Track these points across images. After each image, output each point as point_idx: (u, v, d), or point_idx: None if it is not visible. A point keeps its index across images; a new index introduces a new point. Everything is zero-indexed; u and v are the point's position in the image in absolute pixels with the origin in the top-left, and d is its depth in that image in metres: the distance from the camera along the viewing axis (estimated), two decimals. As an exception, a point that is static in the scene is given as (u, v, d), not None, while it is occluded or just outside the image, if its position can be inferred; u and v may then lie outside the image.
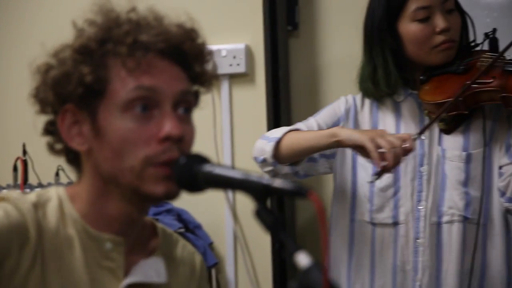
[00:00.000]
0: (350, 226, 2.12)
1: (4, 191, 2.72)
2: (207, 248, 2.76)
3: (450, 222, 2.05)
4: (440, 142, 2.08)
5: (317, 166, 2.14)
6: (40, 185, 2.72)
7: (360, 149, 1.90)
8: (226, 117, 2.90)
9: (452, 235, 2.05)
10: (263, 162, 2.09)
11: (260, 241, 2.82)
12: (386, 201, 2.07)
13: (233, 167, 2.84)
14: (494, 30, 2.09)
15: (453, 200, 2.05)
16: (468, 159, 2.06)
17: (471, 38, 2.14)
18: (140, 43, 1.22)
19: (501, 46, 2.07)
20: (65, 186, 1.33)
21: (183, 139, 1.23)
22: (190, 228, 2.78)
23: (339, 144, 1.94)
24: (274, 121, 2.81)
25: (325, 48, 2.88)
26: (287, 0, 2.87)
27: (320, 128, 2.12)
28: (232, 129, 2.91)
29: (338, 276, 2.13)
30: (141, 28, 1.23)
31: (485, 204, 2.04)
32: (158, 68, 1.23)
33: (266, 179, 1.11)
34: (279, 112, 2.82)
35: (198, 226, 2.82)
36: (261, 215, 1.09)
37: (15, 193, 1.27)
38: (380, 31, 2.07)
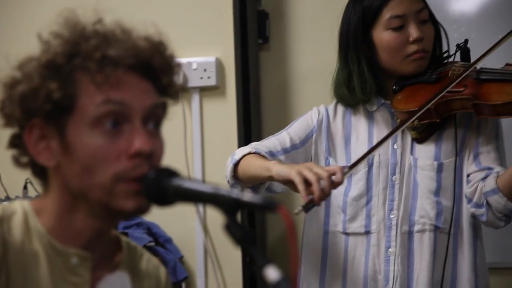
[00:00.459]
0: (323, 238, 2.12)
1: (-29, 205, 2.68)
2: (177, 262, 2.75)
3: (422, 231, 2.06)
4: (412, 151, 2.10)
5: (274, 186, 2.12)
6: (8, 198, 2.69)
7: (290, 184, 1.89)
8: (196, 130, 2.89)
9: (423, 244, 2.06)
10: (228, 182, 2.08)
11: (231, 255, 2.81)
12: (359, 210, 2.08)
13: (203, 181, 2.84)
14: (466, 41, 2.12)
15: (424, 209, 2.07)
16: (439, 169, 2.07)
17: (444, 49, 2.17)
18: (109, 58, 1.20)
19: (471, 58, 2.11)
20: (32, 199, 1.31)
21: (153, 154, 1.22)
22: (160, 241, 2.77)
23: (272, 179, 1.95)
24: (245, 134, 2.81)
25: (295, 61, 2.89)
26: (257, 14, 2.88)
27: (292, 142, 2.12)
28: (203, 142, 2.90)
29: (310, 288, 2.13)
30: (109, 42, 1.22)
31: (456, 214, 2.06)
32: (127, 83, 1.22)
33: (235, 193, 1.11)
34: (250, 125, 2.82)
35: (169, 240, 2.80)
36: (231, 229, 1.09)
37: (-20, 208, 1.26)
38: (355, 38, 2.09)
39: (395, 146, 2.09)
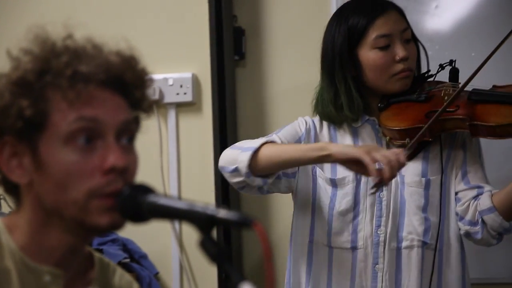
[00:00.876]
0: (309, 247, 2.12)
1: None
2: (152, 278, 2.73)
3: (410, 247, 2.08)
4: None
5: (280, 184, 2.13)
6: (-19, 215, 2.66)
7: (353, 164, 1.90)
8: (172, 146, 2.89)
9: (411, 260, 2.07)
10: (234, 172, 2.04)
11: (207, 272, 2.80)
12: (345, 225, 2.09)
13: (179, 197, 2.83)
14: (451, 61, 2.14)
15: (412, 225, 2.08)
16: (427, 185, 2.09)
17: (424, 67, 2.20)
18: (80, 74, 1.19)
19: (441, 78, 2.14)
20: (5, 216, 1.29)
21: (127, 170, 1.21)
22: (135, 258, 2.75)
23: (329, 158, 1.94)
24: (221, 150, 2.78)
25: (271, 77, 2.89)
26: (233, 30, 2.89)
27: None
28: (179, 158, 2.90)
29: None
30: (80, 58, 1.21)
31: (441, 230, 2.08)
32: (99, 99, 1.21)
33: (211, 209, 1.10)
34: (226, 141, 2.82)
35: (144, 256, 2.79)
36: (205, 245, 1.08)
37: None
38: (341, 57, 2.10)
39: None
